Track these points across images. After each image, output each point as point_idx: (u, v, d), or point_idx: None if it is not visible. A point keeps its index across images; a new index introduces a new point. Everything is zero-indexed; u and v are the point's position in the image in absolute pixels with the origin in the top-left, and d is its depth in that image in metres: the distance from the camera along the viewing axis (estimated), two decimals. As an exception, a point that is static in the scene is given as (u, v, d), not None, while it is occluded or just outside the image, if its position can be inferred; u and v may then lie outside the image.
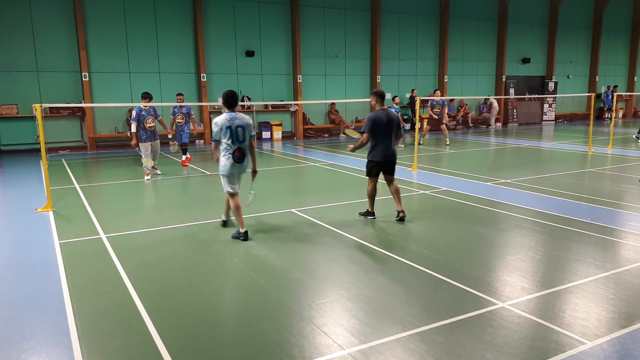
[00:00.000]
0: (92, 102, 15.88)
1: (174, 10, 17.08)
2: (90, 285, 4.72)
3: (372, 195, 6.94)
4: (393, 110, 6.80)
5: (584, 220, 6.75)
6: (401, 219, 6.80)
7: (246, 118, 6.08)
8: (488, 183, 9.57)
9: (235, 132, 5.91)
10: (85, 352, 3.51)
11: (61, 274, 5.00)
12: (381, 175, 6.96)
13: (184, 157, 12.67)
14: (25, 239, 6.41)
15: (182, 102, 12.68)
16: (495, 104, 23.65)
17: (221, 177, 6.17)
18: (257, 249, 5.74)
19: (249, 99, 18.30)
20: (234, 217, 6.45)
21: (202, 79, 17.53)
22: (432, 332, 3.71)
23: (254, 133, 6.17)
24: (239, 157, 6.01)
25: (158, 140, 10.79)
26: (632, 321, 3.83)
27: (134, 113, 10.39)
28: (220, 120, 5.94)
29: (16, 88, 15.22)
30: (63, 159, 13.81)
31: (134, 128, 10.33)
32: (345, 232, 6.34)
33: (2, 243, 6.34)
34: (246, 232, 6.05)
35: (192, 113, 12.78)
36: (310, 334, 3.72)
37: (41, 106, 7.74)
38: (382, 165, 6.80)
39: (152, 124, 10.49)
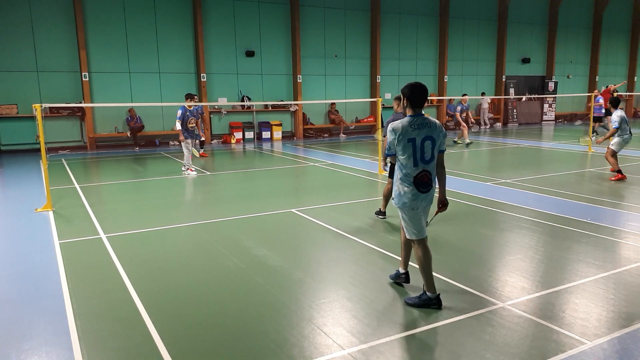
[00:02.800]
0: (92, 102, 15.88)
1: (174, 10, 17.09)
2: (90, 285, 4.73)
3: (387, 197, 6.83)
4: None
5: (584, 220, 6.75)
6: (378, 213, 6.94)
7: (437, 125, 4.07)
8: (488, 183, 9.57)
9: (420, 148, 3.95)
10: (85, 352, 3.51)
11: (61, 274, 5.00)
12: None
13: (201, 151, 14.29)
14: (25, 239, 6.41)
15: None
16: (484, 105, 22.94)
17: (403, 217, 4.20)
18: (257, 249, 5.73)
19: (249, 99, 18.30)
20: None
21: (202, 79, 17.53)
22: (432, 332, 3.71)
23: (444, 147, 4.13)
24: (425, 184, 4.03)
25: (196, 140, 11.87)
26: (632, 321, 3.83)
27: (179, 112, 11.13)
28: (400, 126, 3.97)
29: (16, 88, 15.22)
30: (63, 159, 13.81)
31: (178, 126, 11.09)
32: (345, 232, 6.34)
33: (2, 243, 6.34)
34: (439, 297, 4.13)
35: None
36: (310, 334, 3.72)
37: (41, 106, 7.74)
38: None
39: (194, 125, 11.34)
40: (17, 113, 15.25)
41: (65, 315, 4.08)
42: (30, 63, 15.33)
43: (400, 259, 4.64)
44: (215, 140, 18.22)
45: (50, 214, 7.53)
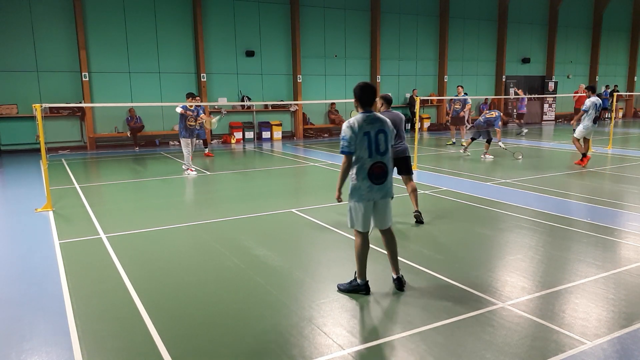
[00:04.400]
0: (92, 102, 15.87)
1: (174, 10, 17.08)
2: (90, 285, 4.73)
3: None
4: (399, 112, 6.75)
5: (584, 220, 6.75)
6: (417, 220, 6.75)
7: (387, 120, 4.35)
8: (488, 183, 9.57)
9: (374, 141, 4.21)
10: (85, 352, 3.51)
11: (61, 274, 5.00)
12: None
13: (207, 150, 14.59)
14: (25, 239, 6.41)
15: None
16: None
17: (350, 206, 4.36)
18: (257, 249, 5.73)
19: (249, 99, 18.30)
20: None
21: (202, 79, 17.53)
22: (432, 332, 3.71)
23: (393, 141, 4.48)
24: (378, 175, 4.24)
25: (194, 139, 11.62)
26: (632, 321, 3.83)
27: (180, 104, 11.17)
28: (355, 122, 4.19)
29: (16, 88, 15.21)
30: (63, 159, 13.81)
31: (179, 110, 11.00)
32: (346, 232, 6.33)
33: (2, 243, 6.34)
34: (367, 283, 4.40)
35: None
36: (310, 334, 3.72)
37: (41, 106, 7.73)
38: (394, 161, 6.68)
39: (193, 124, 11.20)
40: (17, 113, 15.24)
41: (65, 315, 4.08)
42: (30, 63, 15.33)
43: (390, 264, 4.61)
44: (215, 140, 18.22)
45: (50, 214, 7.53)
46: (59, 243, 6.04)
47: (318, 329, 3.79)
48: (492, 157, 12.99)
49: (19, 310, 4.22)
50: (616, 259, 5.28)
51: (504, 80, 24.23)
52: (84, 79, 15.82)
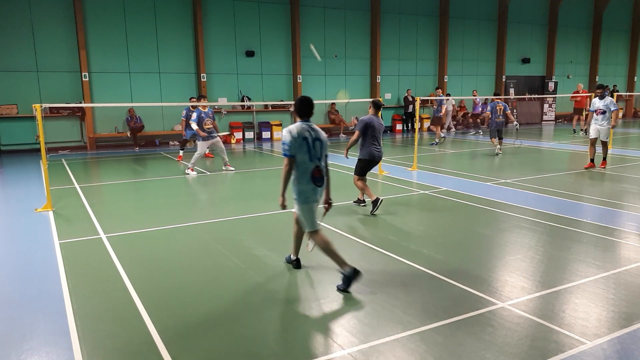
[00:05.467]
0: (92, 102, 15.87)
1: (174, 10, 17.08)
2: (90, 285, 4.73)
3: (364, 187, 7.52)
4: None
5: (584, 220, 6.75)
6: (358, 202, 7.81)
7: (322, 132, 4.77)
8: (488, 183, 9.57)
9: (312, 146, 4.60)
10: (85, 352, 3.51)
11: (61, 274, 5.00)
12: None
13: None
14: (25, 239, 6.41)
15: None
16: (448, 107, 19.09)
17: (299, 209, 4.72)
18: (257, 249, 5.74)
19: (249, 99, 18.30)
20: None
21: (202, 79, 17.53)
22: (432, 332, 3.71)
23: (328, 152, 4.83)
24: (319, 178, 4.66)
25: (217, 138, 11.40)
26: (632, 321, 3.83)
27: (194, 115, 11.02)
28: (295, 128, 4.58)
29: (16, 88, 15.21)
30: (63, 159, 13.81)
31: (194, 126, 10.96)
32: (345, 232, 6.34)
33: (2, 243, 6.34)
34: (355, 269, 4.53)
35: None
36: (310, 334, 3.72)
37: (41, 106, 7.73)
38: (371, 163, 7.48)
39: (210, 126, 11.18)
40: (17, 113, 15.24)
41: (65, 315, 4.08)
42: (30, 63, 15.33)
43: (293, 246, 5.16)
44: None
45: (50, 214, 7.53)
46: (59, 243, 6.04)
47: (318, 329, 3.79)
48: (501, 151, 13.52)
49: (19, 310, 4.22)
50: (616, 259, 5.29)
51: (504, 80, 24.24)
52: (84, 79, 15.82)
